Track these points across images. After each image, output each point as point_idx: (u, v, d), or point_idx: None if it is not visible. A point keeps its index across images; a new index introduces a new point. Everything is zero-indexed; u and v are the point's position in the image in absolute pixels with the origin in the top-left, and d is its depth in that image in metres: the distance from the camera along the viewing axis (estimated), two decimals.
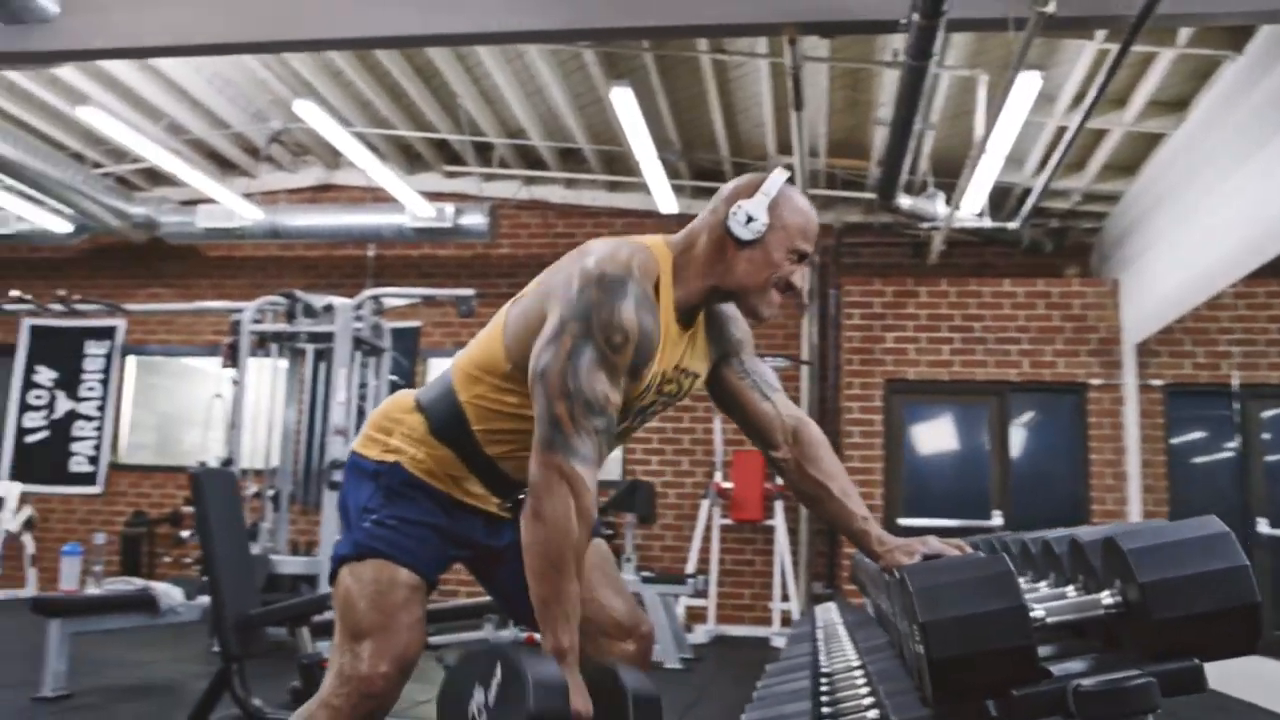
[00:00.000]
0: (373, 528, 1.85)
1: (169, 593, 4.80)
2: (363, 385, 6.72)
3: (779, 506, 8.15)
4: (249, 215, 8.93)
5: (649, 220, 9.16)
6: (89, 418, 9.65)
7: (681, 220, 9.09)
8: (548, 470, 1.68)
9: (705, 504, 8.11)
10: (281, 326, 6.48)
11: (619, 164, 8.83)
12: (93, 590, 4.89)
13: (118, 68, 7.55)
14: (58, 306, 8.05)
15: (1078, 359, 7.87)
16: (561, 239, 9.43)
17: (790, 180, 1.91)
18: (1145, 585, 1.37)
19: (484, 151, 9.05)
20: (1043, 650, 1.66)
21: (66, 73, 7.55)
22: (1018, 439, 8.18)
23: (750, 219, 1.81)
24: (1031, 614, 1.44)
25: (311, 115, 7.23)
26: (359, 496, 1.91)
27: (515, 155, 9.01)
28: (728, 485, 8.29)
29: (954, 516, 7.65)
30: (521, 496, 1.88)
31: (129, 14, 5.88)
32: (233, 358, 6.32)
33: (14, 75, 7.59)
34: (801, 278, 1.87)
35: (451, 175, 9.41)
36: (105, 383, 9.69)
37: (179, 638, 5.68)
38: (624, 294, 1.71)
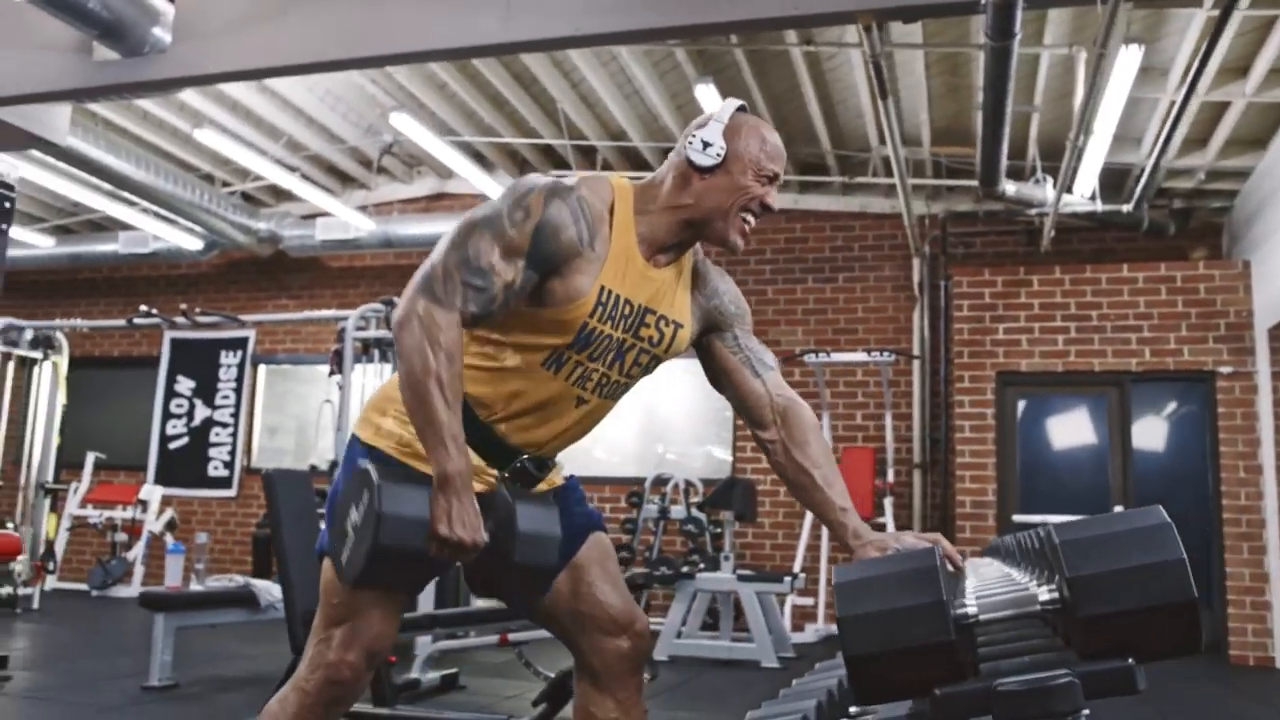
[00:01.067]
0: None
1: (269, 589, 5.02)
2: None
3: (888, 504, 7.98)
4: (363, 226, 9.24)
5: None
6: (224, 424, 10.15)
7: (788, 216, 8.97)
8: (405, 307, 1.75)
9: None
10: (383, 333, 6.69)
11: None
12: (195, 587, 5.15)
13: (236, 90, 7.92)
14: (181, 320, 8.48)
15: (1205, 346, 7.45)
16: None
17: (746, 109, 1.93)
18: (1072, 580, 1.31)
19: (589, 155, 9.15)
20: (995, 649, 1.60)
21: (192, 99, 7.95)
22: (1140, 431, 7.80)
23: (706, 144, 1.86)
24: (962, 610, 1.39)
25: (409, 127, 7.44)
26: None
27: (618, 157, 9.07)
28: None
29: (1072, 512, 7.34)
30: (518, 464, 1.91)
31: (234, 39, 6.16)
32: (338, 364, 6.56)
33: (146, 104, 8.05)
34: (773, 198, 1.90)
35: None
36: (238, 391, 10.18)
37: (279, 632, 5.91)
38: (538, 187, 1.80)
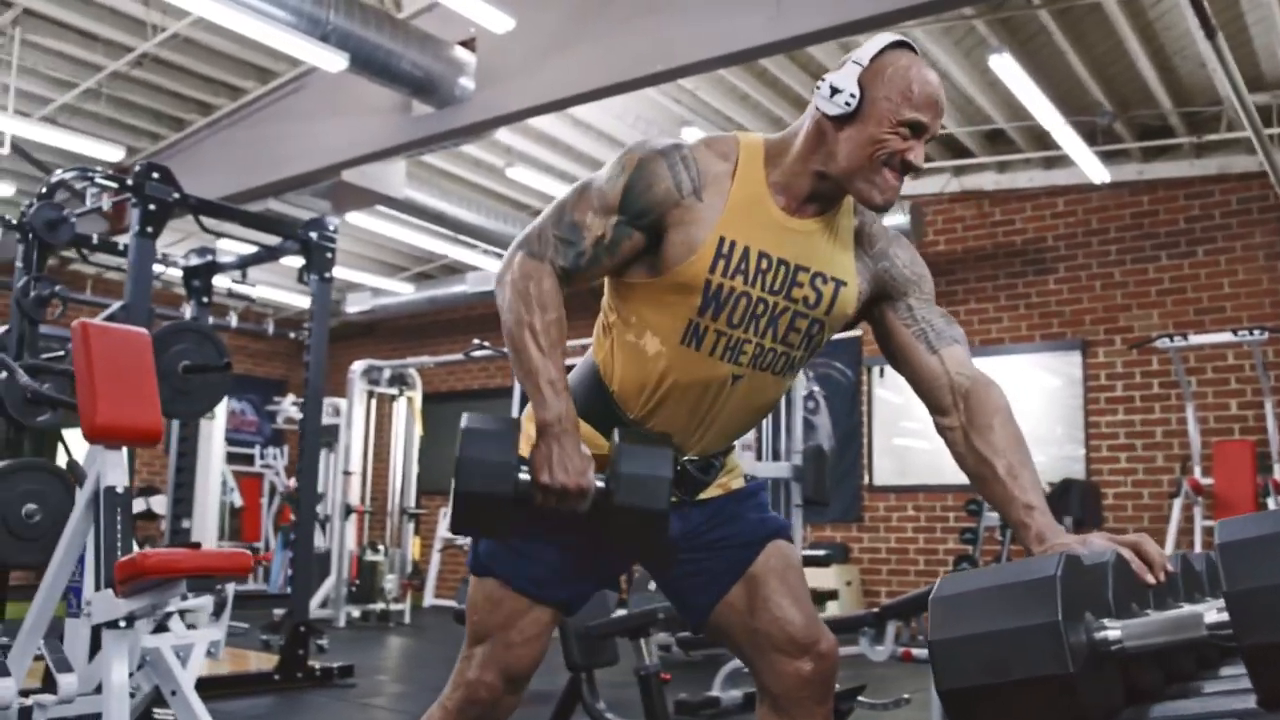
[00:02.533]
0: (494, 543, 1.81)
1: None
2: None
3: (1273, 504, 6.91)
4: None
5: (1094, 194, 8.29)
6: None
7: (1133, 189, 8.04)
8: (504, 263, 1.72)
9: (1176, 504, 7.09)
10: None
11: (1049, 138, 8.08)
12: None
13: (543, 124, 8.19)
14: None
15: None
16: (1000, 227, 8.81)
17: (905, 46, 1.66)
18: (1232, 596, 0.98)
19: None
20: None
21: (505, 136, 8.33)
22: None
23: (835, 91, 1.63)
24: (1100, 634, 1.09)
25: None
26: None
27: (936, 148, 8.58)
28: (1207, 481, 7.19)
29: None
30: (678, 466, 1.75)
31: (531, 78, 6.47)
32: None
33: (468, 147, 8.60)
34: (917, 155, 1.63)
35: None
36: None
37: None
38: (640, 146, 1.71)
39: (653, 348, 1.71)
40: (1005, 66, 5.96)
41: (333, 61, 5.85)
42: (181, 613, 2.91)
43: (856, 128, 1.62)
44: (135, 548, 2.71)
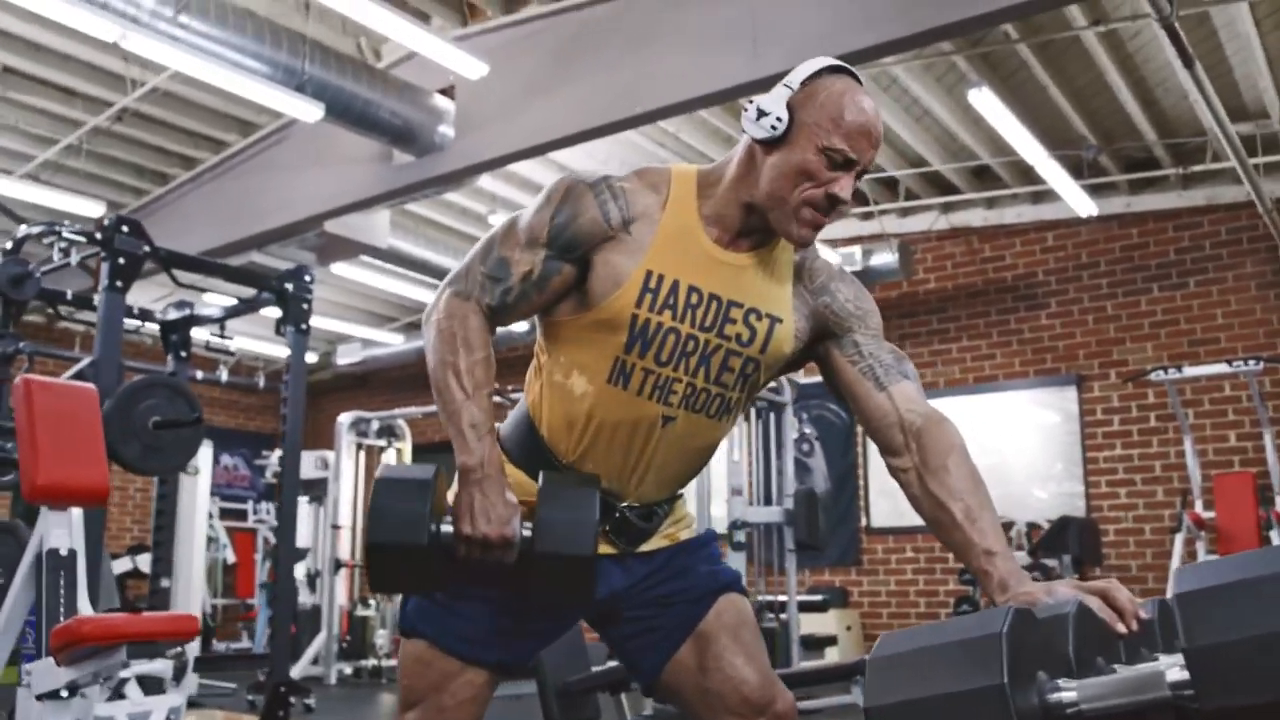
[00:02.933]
0: (424, 603, 1.70)
1: None
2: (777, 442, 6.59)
3: (1277, 537, 6.78)
4: None
5: (1083, 228, 8.25)
6: None
7: (1121, 221, 7.97)
8: (433, 301, 1.67)
9: (1178, 539, 6.96)
10: None
11: (1035, 173, 8.04)
12: None
13: (525, 169, 8.10)
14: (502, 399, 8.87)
15: None
16: (989, 263, 8.76)
17: (843, 71, 1.55)
18: (1192, 653, 0.89)
19: (891, 187, 8.70)
20: None
21: (486, 182, 8.24)
22: None
23: (762, 113, 1.53)
24: (1054, 697, 0.99)
25: None
26: None
27: (923, 184, 8.55)
28: (1209, 515, 7.07)
29: None
30: (617, 514, 1.67)
31: (509, 123, 6.44)
32: None
33: (451, 195, 8.56)
34: (844, 188, 1.52)
35: (866, 217, 9.13)
36: None
37: None
38: (566, 179, 1.64)
39: (580, 387, 1.63)
40: (985, 101, 5.93)
41: (309, 111, 5.82)
42: (141, 679, 2.79)
43: (782, 154, 1.53)
44: (87, 611, 2.61)
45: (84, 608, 2.65)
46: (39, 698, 2.28)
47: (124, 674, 2.63)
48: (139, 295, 6.48)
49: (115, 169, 8.25)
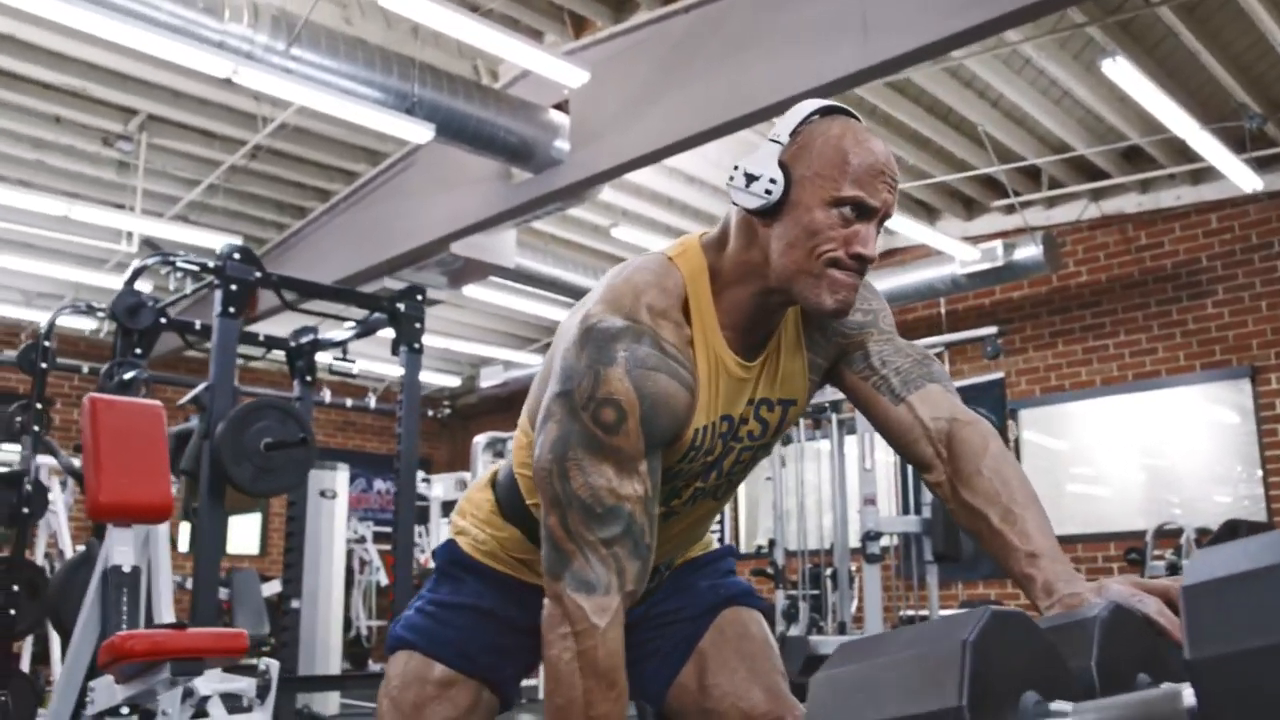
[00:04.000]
0: (413, 615, 1.61)
1: None
2: None
3: None
4: None
5: (1251, 206, 7.61)
6: None
7: None
8: (550, 605, 1.29)
9: None
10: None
11: (1193, 151, 7.46)
12: None
13: (643, 178, 7.99)
14: None
15: None
16: (1146, 251, 8.17)
17: (837, 112, 1.34)
18: (1195, 667, 0.67)
19: (1033, 176, 8.23)
20: None
21: (608, 195, 8.16)
22: None
23: (751, 178, 1.30)
24: None
25: None
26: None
27: (1068, 171, 8.05)
28: None
29: None
30: None
31: (622, 133, 6.35)
32: None
33: (575, 210, 8.53)
34: (867, 241, 1.29)
35: (1009, 210, 8.66)
36: None
37: None
38: (612, 354, 1.27)
39: None
40: (1123, 73, 5.49)
41: (419, 133, 5.87)
42: (225, 696, 2.77)
43: (786, 222, 1.30)
44: (169, 620, 2.61)
45: (167, 617, 2.67)
46: (98, 716, 2.27)
47: (204, 691, 2.61)
48: (280, 326, 6.68)
49: (255, 205, 8.56)
